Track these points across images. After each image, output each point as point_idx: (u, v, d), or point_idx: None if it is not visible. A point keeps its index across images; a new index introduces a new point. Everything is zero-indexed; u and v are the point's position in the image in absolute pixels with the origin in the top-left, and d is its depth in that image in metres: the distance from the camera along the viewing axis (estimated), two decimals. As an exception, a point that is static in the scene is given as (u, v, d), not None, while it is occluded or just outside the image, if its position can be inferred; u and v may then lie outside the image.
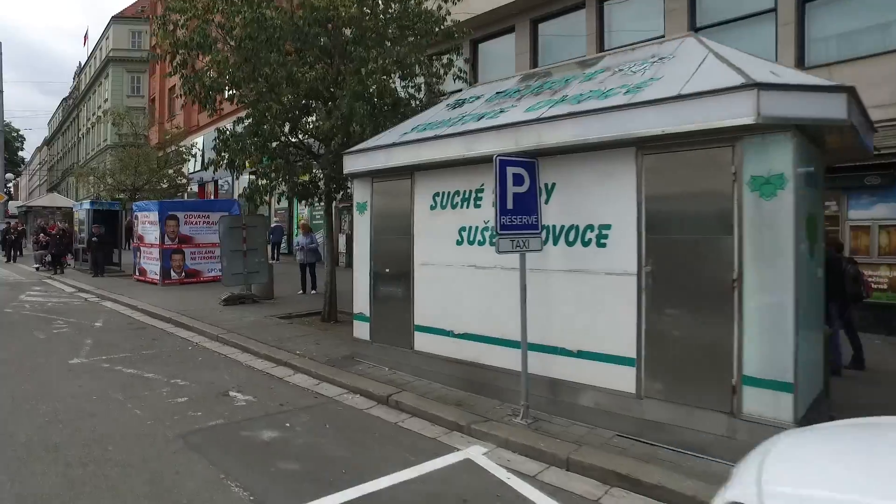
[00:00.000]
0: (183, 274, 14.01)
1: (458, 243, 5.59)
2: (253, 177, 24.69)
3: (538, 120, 4.72)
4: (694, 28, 9.82)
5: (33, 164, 74.87)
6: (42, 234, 18.83)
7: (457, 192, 5.61)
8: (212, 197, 26.96)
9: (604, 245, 4.60)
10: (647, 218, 4.36)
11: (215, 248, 14.47)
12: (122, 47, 43.49)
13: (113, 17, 43.69)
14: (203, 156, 27.27)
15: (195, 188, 27.62)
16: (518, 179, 4.71)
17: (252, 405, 5.26)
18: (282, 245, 20.73)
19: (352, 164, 6.45)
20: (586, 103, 4.61)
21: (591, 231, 4.67)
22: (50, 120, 74.52)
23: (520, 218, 4.69)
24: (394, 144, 5.92)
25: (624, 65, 5.14)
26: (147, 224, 14.27)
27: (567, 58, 10.39)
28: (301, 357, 6.80)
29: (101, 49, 47.82)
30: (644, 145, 4.33)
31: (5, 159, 29.78)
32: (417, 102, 8.42)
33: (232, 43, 7.57)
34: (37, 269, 18.40)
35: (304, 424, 4.78)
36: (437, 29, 8.36)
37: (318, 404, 5.35)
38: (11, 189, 50.85)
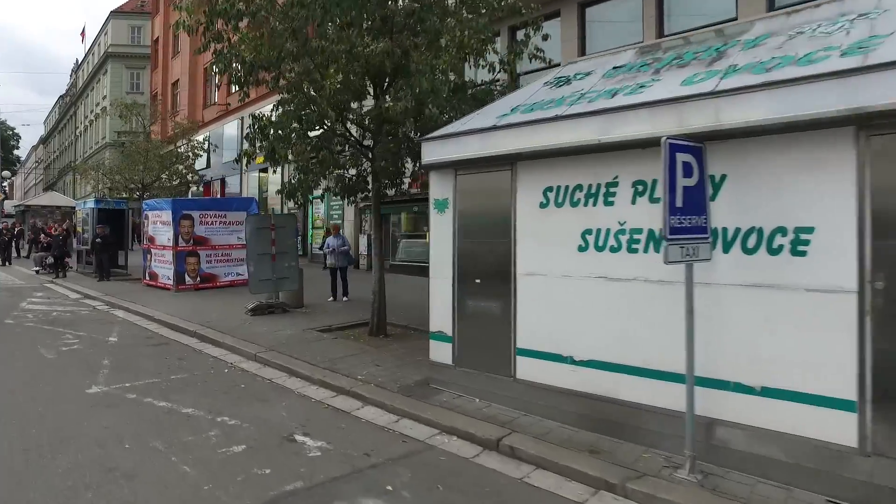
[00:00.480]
0: (198, 279, 12.75)
1: (582, 249, 4.45)
2: (264, 174, 23.28)
3: (715, 93, 3.59)
4: (772, 8, 8.75)
5: (29, 163, 72.72)
6: (42, 235, 17.46)
7: (578, 187, 4.47)
8: (217, 196, 25.63)
9: (802, 253, 3.48)
10: (873, 219, 3.26)
11: (232, 251, 13.28)
12: (122, 42, 41.89)
13: (112, 11, 42.05)
14: (209, 153, 25.90)
15: (197, 187, 26.20)
16: (687, 169, 3.58)
17: (330, 455, 4.09)
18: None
19: (433, 152, 5.29)
20: (781, 72, 3.49)
21: (783, 235, 3.56)
22: (46, 118, 72.41)
23: (689, 219, 3.58)
24: (494, 128, 4.77)
25: (802, 27, 4.03)
26: (159, 224, 12.99)
27: (620, 44, 9.27)
28: (365, 384, 5.64)
29: (99, 44, 46.14)
30: (870, 124, 3.22)
31: (1, 158, 28.26)
32: (480, 85, 7.26)
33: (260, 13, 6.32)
34: (37, 272, 17.01)
35: (411, 487, 3.62)
36: (501, 3, 7.22)
37: (412, 453, 4.19)
38: (6, 188, 49.00)
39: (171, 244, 12.50)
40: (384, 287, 7.89)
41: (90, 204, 15.79)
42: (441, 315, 5.48)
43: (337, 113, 6.47)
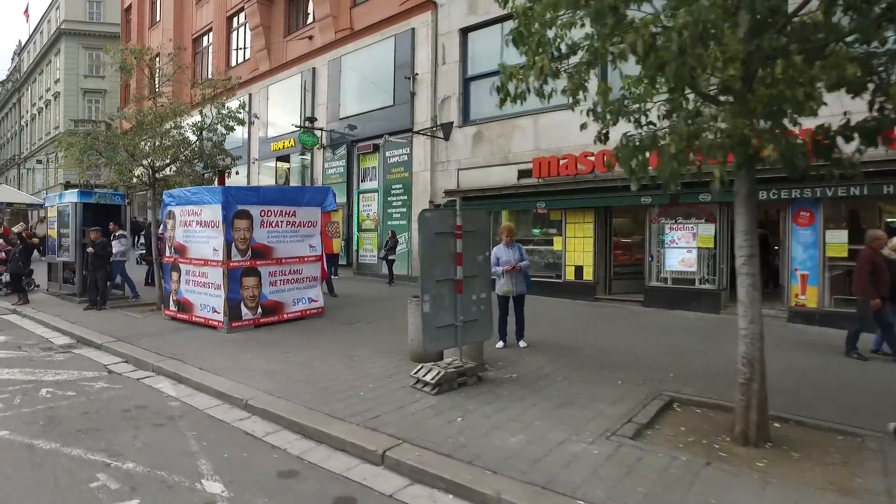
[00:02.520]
0: (259, 310, 8.17)
1: None
2: (282, 162, 17.77)
3: None
4: None
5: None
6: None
7: None
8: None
9: None
10: None
11: (303, 266, 8.84)
12: (77, 18, 35.24)
13: (66, -19, 35.27)
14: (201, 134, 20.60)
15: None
16: None
17: None
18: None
19: None
20: None
21: None
22: (-19, 108, 62.41)
23: None
24: None
25: None
26: (195, 226, 8.26)
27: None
28: None
29: (49, 22, 39.00)
30: None
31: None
32: None
33: None
34: (-15, 294, 11.71)
35: None
36: None
37: None
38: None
39: (218, 258, 7.86)
40: (763, 351, 3.87)
41: (71, 196, 10.68)
42: None
43: None
